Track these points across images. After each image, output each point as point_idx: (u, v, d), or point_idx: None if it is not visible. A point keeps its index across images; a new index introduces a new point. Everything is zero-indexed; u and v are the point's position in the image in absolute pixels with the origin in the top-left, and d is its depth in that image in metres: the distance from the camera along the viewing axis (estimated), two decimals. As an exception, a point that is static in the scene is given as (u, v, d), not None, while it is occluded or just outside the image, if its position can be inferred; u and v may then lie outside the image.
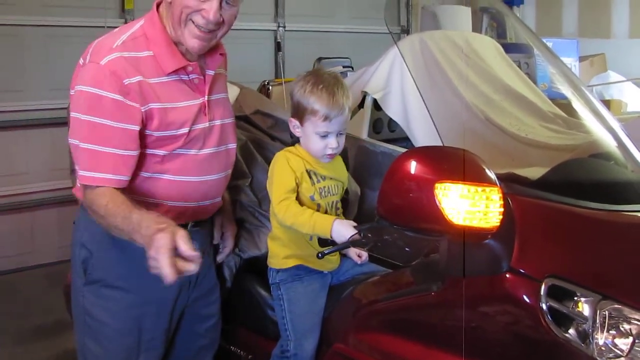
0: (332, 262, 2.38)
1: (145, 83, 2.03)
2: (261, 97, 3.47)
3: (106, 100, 1.98)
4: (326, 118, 2.22)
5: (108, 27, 4.86)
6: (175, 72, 2.11)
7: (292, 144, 2.47)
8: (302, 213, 2.18)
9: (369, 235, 1.95)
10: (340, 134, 2.28)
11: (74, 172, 2.74)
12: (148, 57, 2.06)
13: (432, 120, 1.88)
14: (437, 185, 1.62)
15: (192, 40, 2.09)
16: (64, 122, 4.54)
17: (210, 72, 2.22)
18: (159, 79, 2.08)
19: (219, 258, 2.53)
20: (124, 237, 1.97)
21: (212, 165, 2.24)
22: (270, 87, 4.20)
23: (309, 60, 4.77)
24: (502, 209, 1.65)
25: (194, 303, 2.37)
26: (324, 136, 2.25)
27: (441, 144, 1.88)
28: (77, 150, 2.03)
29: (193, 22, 2.06)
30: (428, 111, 1.92)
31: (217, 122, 2.25)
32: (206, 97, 2.20)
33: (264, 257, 2.46)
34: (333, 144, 2.26)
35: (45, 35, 4.84)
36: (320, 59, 4.61)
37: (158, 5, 2.17)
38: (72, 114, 2.04)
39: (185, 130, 2.12)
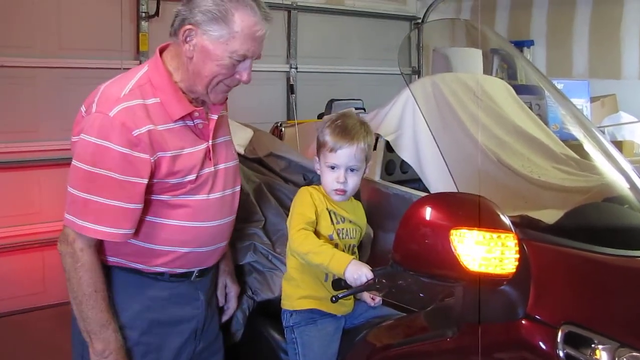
0: (346, 305, 2.37)
1: (155, 131, 2.01)
2: (274, 139, 3.49)
3: (114, 153, 1.96)
4: (332, 149, 2.25)
5: (124, 68, 4.99)
6: (182, 118, 2.10)
7: (305, 186, 2.48)
8: (323, 244, 2.19)
9: (384, 280, 1.94)
10: (352, 170, 2.29)
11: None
12: (155, 104, 2.05)
13: (446, 164, 1.89)
14: (453, 231, 1.62)
15: (219, 96, 2.13)
16: (77, 163, 4.64)
17: (214, 117, 2.20)
18: (166, 126, 2.06)
19: (224, 319, 2.52)
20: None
21: (219, 210, 2.22)
22: (283, 129, 4.23)
23: (321, 102, 4.81)
24: (517, 255, 1.64)
25: (199, 355, 2.34)
26: (333, 168, 2.27)
27: (455, 189, 1.88)
28: (77, 200, 1.99)
29: (224, 83, 2.09)
30: (442, 155, 1.93)
31: (222, 166, 2.23)
32: (210, 141, 2.19)
33: (278, 300, 2.45)
34: (340, 178, 2.27)
35: (61, 76, 4.89)
36: (332, 100, 4.64)
37: (161, 51, 2.16)
38: (76, 163, 2.00)
39: (192, 176, 2.11)
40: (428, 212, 1.68)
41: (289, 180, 2.94)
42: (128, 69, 5.10)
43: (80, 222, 1.99)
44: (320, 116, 4.63)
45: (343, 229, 2.34)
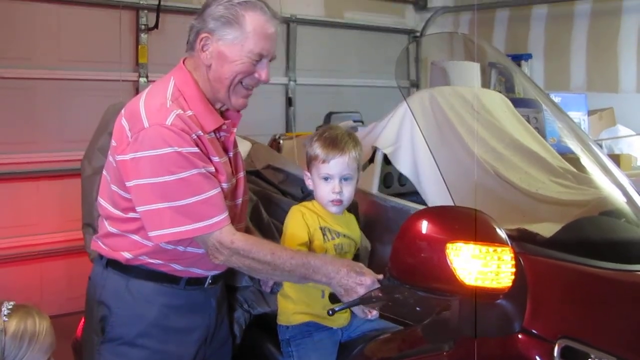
0: (342, 318, 2.36)
1: (203, 137, 2.09)
2: (272, 151, 3.50)
3: (188, 155, 2.02)
4: (324, 160, 2.27)
5: (123, 80, 5.01)
6: (213, 130, 2.16)
7: (303, 199, 2.48)
8: None
9: (380, 294, 1.94)
10: (345, 179, 2.30)
11: (88, 227, 2.78)
12: (192, 116, 2.10)
13: (442, 177, 1.89)
14: (449, 245, 1.62)
15: (239, 100, 2.19)
16: (74, 174, 4.63)
17: (234, 130, 2.28)
18: (207, 136, 2.12)
19: None
20: (285, 278, 2.14)
21: (237, 216, 2.28)
22: (281, 141, 4.23)
23: (319, 115, 4.82)
24: (513, 269, 1.64)
25: (209, 358, 2.37)
26: (326, 179, 2.28)
27: (452, 202, 1.88)
28: (182, 210, 2.02)
29: (243, 84, 2.15)
30: (438, 168, 1.93)
31: (240, 175, 2.32)
32: (231, 153, 2.27)
33: (274, 313, 2.45)
34: (336, 188, 2.28)
35: (59, 88, 4.90)
36: (330, 113, 4.64)
37: (184, 62, 2.22)
38: (153, 180, 2.02)
39: (228, 185, 2.17)
40: (424, 226, 1.68)
41: (287, 192, 2.94)
42: (127, 81, 5.15)
43: (205, 223, 2.03)
44: (318, 129, 4.63)
45: (339, 244, 2.35)
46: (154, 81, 4.98)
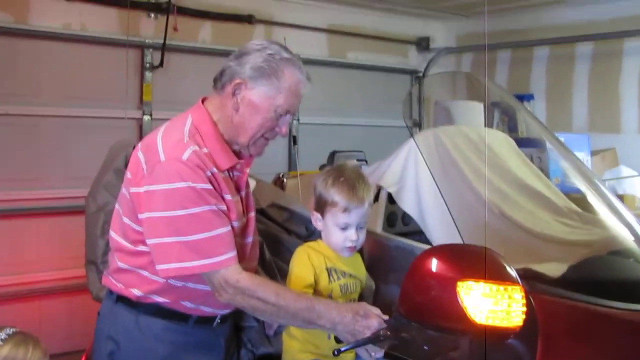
0: (347, 358, 2.33)
1: (217, 175, 2.10)
2: (277, 190, 3.49)
3: (201, 191, 2.02)
4: (345, 209, 2.24)
5: (129, 117, 5.04)
6: (227, 169, 2.18)
7: (308, 237, 2.47)
8: None
9: (387, 333, 1.91)
10: (361, 227, 2.29)
11: (91, 264, 2.76)
12: (207, 153, 2.11)
13: (451, 215, 1.88)
14: (459, 283, 1.60)
15: (258, 149, 2.24)
16: (76, 211, 4.63)
17: (247, 170, 2.30)
18: (220, 174, 2.13)
19: None
20: (289, 321, 2.12)
21: (247, 255, 2.27)
22: (285, 180, 4.23)
23: (322, 153, 4.81)
24: (524, 308, 1.62)
25: None
26: (344, 228, 2.27)
27: (460, 240, 1.87)
28: (182, 246, 2.02)
29: (264, 137, 2.20)
30: (447, 206, 1.92)
31: (251, 215, 2.33)
32: (243, 192, 2.28)
33: (277, 354, 2.42)
34: (353, 236, 2.27)
35: (65, 125, 4.92)
36: (335, 152, 4.65)
37: (203, 101, 2.24)
38: (164, 214, 2.02)
39: (238, 223, 2.17)
40: (434, 264, 1.67)
41: (291, 231, 2.93)
42: (131, 119, 5.17)
43: (213, 260, 2.03)
44: (322, 167, 4.63)
45: (345, 284, 2.33)
46: (157, 119, 5.08)
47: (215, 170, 2.09)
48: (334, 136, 6.05)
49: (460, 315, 1.61)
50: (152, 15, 5.19)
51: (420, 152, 2.93)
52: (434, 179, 2.48)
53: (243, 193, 2.29)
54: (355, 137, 6.22)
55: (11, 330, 1.82)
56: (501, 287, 1.60)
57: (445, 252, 1.72)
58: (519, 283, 1.62)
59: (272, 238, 2.81)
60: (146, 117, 5.19)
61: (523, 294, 1.62)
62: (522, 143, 3.72)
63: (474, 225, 2.75)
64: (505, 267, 1.64)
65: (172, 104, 5.14)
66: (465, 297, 1.60)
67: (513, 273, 1.64)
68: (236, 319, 2.47)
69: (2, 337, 1.79)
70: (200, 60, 5.43)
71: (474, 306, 1.59)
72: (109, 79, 5.06)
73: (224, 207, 2.10)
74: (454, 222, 1.86)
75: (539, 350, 1.62)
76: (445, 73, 6.18)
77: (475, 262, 1.62)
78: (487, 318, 1.60)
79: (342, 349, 2.05)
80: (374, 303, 2.71)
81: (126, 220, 2.17)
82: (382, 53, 6.67)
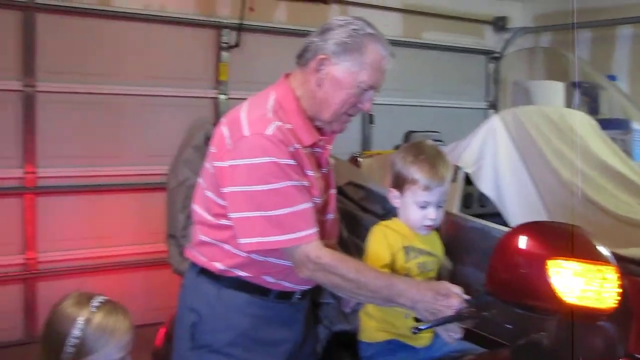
0: (425, 338, 2.31)
1: (300, 151, 2.11)
2: (354, 168, 3.49)
3: (284, 166, 2.03)
4: (426, 188, 2.22)
5: (208, 97, 5.13)
6: (309, 145, 2.18)
7: (384, 216, 2.45)
8: None
9: (471, 310, 1.89)
10: (439, 206, 2.27)
11: (172, 238, 2.83)
12: (290, 129, 2.12)
13: (540, 198, 1.83)
14: (549, 262, 1.56)
15: (340, 126, 2.23)
16: (155, 188, 4.75)
17: (329, 147, 2.30)
18: (303, 150, 2.14)
19: None
20: (369, 299, 2.09)
21: (327, 232, 2.28)
22: (360, 159, 4.22)
23: (395, 134, 4.79)
24: (619, 290, 1.57)
25: None
26: (423, 206, 2.25)
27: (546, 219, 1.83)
28: (265, 220, 2.04)
29: (347, 113, 2.19)
30: (536, 189, 1.87)
31: (332, 192, 2.33)
32: (324, 169, 2.28)
33: (353, 331, 2.42)
34: (432, 214, 2.25)
35: (143, 104, 5.05)
36: (410, 132, 4.62)
37: (287, 77, 2.25)
38: (248, 188, 2.04)
39: (320, 200, 2.18)
40: (523, 241, 1.63)
41: (368, 209, 2.92)
42: (209, 98, 5.26)
43: (294, 235, 2.04)
44: (396, 148, 4.61)
45: (422, 262, 2.30)
46: (233, 99, 5.14)
47: (298, 146, 2.10)
48: (406, 117, 6.00)
49: (549, 294, 1.57)
50: (230, -5, 5.25)
51: (507, 131, 2.87)
52: (521, 160, 2.42)
53: (325, 170, 2.29)
54: (429, 117, 6.15)
55: (102, 298, 1.89)
56: (594, 267, 1.55)
57: (535, 229, 1.68)
58: (612, 263, 1.57)
59: (349, 216, 2.81)
60: (222, 97, 5.26)
61: (617, 274, 1.57)
62: (605, 125, 3.61)
63: (554, 208, 2.69)
64: (597, 247, 1.59)
65: (247, 83, 5.20)
66: (555, 275, 1.56)
67: (607, 253, 1.59)
68: (313, 296, 2.48)
69: (95, 304, 1.85)
70: (275, 40, 5.46)
71: (564, 285, 1.55)
72: (186, 58, 5.15)
73: (306, 183, 2.10)
74: (543, 201, 1.82)
75: (633, 334, 1.57)
76: (523, 50, 6.03)
77: (566, 240, 1.58)
78: (578, 298, 1.56)
79: (422, 327, 2.04)
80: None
81: (209, 194, 2.20)
82: (457, 33, 6.56)
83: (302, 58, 2.21)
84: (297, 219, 2.05)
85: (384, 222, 2.38)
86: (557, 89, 4.13)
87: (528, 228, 1.71)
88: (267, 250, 2.10)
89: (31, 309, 4.73)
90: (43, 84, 4.63)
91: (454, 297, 1.97)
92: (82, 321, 1.80)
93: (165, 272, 3.59)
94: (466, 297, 1.97)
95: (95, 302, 1.86)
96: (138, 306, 4.99)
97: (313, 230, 2.06)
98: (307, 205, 2.07)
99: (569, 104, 4.26)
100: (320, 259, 2.05)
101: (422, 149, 2.31)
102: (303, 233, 2.04)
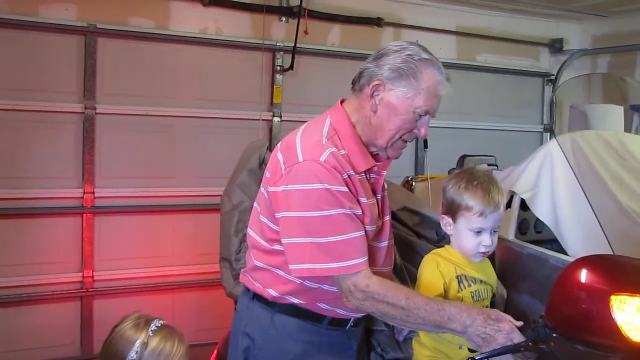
0: (479, 369, 2.27)
1: (354, 177, 2.11)
2: (408, 193, 3.47)
3: (336, 193, 2.04)
4: (481, 214, 2.20)
5: (262, 119, 5.17)
6: (364, 171, 2.18)
7: (438, 242, 2.42)
8: None
9: (529, 343, 1.84)
10: (494, 231, 2.24)
11: (225, 261, 2.85)
12: (345, 155, 2.13)
13: (600, 224, 1.78)
14: (613, 297, 1.52)
15: (396, 152, 2.23)
16: (207, 209, 4.79)
17: (384, 173, 2.30)
18: (357, 176, 2.14)
19: None
20: (419, 325, 2.06)
21: (383, 259, 2.28)
22: (414, 183, 4.20)
23: (449, 157, 4.74)
24: (687, 328, 1.51)
25: None
26: (478, 232, 2.22)
27: (606, 250, 1.78)
28: (315, 247, 2.04)
29: (403, 138, 2.19)
30: (595, 216, 1.83)
31: (386, 218, 2.32)
32: (379, 195, 2.27)
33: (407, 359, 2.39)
34: (487, 241, 2.22)
35: (198, 126, 5.11)
36: (464, 156, 4.56)
37: (342, 103, 2.26)
38: (300, 214, 2.06)
39: (373, 227, 2.17)
40: (586, 275, 1.58)
41: (422, 235, 2.90)
42: (262, 120, 5.29)
43: (344, 264, 2.05)
44: (450, 172, 4.56)
45: (476, 290, 2.28)
46: (286, 121, 5.18)
47: (352, 172, 2.10)
48: (460, 140, 5.93)
49: (612, 330, 1.52)
50: (284, 19, 5.29)
51: (565, 157, 2.82)
52: (580, 186, 2.37)
53: (379, 196, 2.28)
54: (483, 141, 6.07)
55: (160, 322, 1.91)
56: (660, 303, 1.50)
57: (598, 262, 1.63)
58: (679, 300, 1.52)
59: (403, 242, 2.79)
60: (276, 119, 5.30)
61: (685, 312, 1.51)
62: (666, 150, 3.51)
63: (616, 235, 2.62)
64: (663, 282, 1.54)
65: (300, 106, 5.24)
66: (619, 312, 1.51)
67: (673, 289, 1.53)
68: (367, 323, 2.47)
69: (153, 328, 1.87)
70: (329, 63, 5.48)
71: (628, 322, 1.50)
72: (240, 81, 5.21)
73: (359, 211, 2.09)
74: (603, 231, 1.77)
75: (700, 372, 1.51)
76: (580, 76, 5.91)
77: (631, 274, 1.53)
78: (644, 336, 1.51)
79: (477, 358, 2.00)
80: (505, 311, 2.65)
81: (263, 218, 2.21)
82: (512, 55, 6.47)
83: (357, 84, 2.22)
84: (347, 247, 2.04)
85: (436, 251, 2.37)
86: (616, 112, 4.05)
87: (591, 261, 1.66)
88: (319, 277, 2.09)
89: (87, 326, 4.81)
90: (102, 106, 4.74)
91: (505, 322, 1.93)
92: (139, 344, 1.84)
93: (216, 292, 3.61)
94: (517, 323, 1.93)
95: (153, 326, 1.88)
96: (189, 326, 5.05)
97: (363, 259, 2.05)
98: (358, 233, 2.06)
99: (627, 128, 4.16)
100: (368, 288, 2.04)
101: (475, 174, 2.29)
102: (352, 262, 2.04)
